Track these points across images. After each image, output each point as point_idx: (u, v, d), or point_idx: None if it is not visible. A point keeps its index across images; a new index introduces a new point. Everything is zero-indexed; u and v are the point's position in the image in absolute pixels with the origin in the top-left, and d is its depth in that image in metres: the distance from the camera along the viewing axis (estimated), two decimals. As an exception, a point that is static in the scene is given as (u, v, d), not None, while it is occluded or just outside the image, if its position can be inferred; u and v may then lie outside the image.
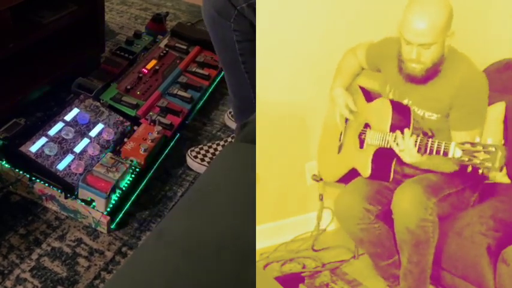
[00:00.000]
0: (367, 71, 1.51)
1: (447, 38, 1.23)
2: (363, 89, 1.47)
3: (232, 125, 2.05)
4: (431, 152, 1.19)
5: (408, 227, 1.26)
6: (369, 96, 1.46)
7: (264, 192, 1.65)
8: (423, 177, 1.33)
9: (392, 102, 1.34)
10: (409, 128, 1.28)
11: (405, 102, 1.35)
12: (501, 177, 1.45)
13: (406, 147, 1.23)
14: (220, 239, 0.75)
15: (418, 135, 1.24)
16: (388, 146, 1.30)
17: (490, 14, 1.64)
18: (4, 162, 1.59)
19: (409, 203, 1.25)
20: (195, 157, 1.83)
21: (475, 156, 1.09)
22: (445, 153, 1.15)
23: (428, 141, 1.20)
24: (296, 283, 1.48)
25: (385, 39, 1.42)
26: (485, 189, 1.41)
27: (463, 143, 1.12)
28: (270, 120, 1.68)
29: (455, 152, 1.13)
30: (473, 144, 1.10)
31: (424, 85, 1.30)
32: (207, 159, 1.82)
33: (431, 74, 1.27)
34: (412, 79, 1.30)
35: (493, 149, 1.07)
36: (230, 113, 2.08)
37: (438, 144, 1.17)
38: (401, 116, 1.32)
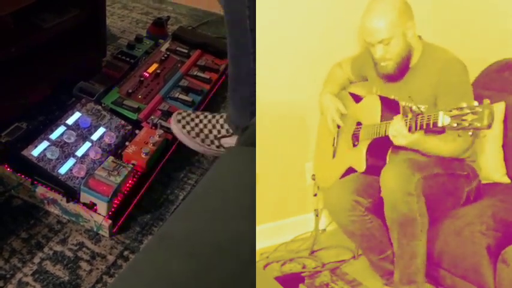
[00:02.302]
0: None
1: (408, 31, 1.32)
2: (352, 94, 1.52)
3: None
4: (421, 127, 1.21)
5: (394, 204, 1.27)
6: (358, 98, 1.51)
7: (264, 192, 1.65)
8: (411, 156, 1.35)
9: (380, 96, 1.39)
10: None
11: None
12: (501, 177, 1.45)
13: (397, 130, 1.25)
14: (222, 241, 0.75)
15: (407, 116, 1.25)
16: (381, 135, 1.33)
17: (490, 14, 1.64)
18: (6, 166, 1.59)
19: (393, 179, 1.27)
20: (179, 121, 1.76)
21: (464, 120, 1.11)
22: (435, 124, 1.17)
23: (417, 117, 1.22)
24: (296, 283, 1.48)
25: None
26: (484, 188, 1.42)
27: (450, 110, 1.13)
28: (270, 120, 1.68)
29: (444, 120, 1.14)
30: (460, 108, 1.12)
31: (401, 81, 1.37)
32: (193, 133, 1.76)
33: (403, 68, 1.36)
34: (389, 78, 1.38)
35: (480, 109, 1.09)
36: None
37: (428, 117, 1.19)
38: (390, 107, 1.37)
